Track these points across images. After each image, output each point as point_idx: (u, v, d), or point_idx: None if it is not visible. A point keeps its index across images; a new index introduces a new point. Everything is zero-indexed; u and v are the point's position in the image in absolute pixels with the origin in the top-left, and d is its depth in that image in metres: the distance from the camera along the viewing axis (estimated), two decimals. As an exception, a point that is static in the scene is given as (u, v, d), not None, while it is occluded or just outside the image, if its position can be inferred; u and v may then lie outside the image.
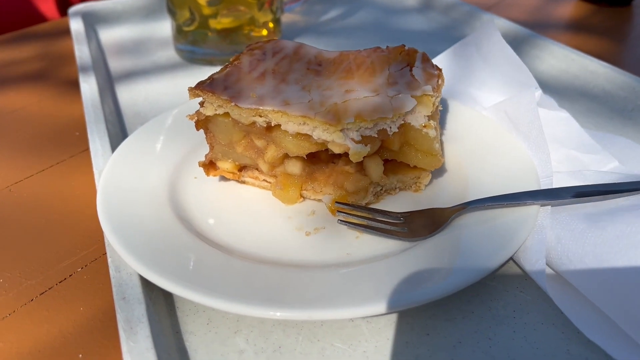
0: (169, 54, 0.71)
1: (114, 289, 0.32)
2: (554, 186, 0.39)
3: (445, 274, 0.32)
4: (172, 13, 0.67)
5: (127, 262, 0.33)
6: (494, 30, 0.52)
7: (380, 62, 0.42)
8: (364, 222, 0.37)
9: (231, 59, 0.44)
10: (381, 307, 0.29)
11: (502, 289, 0.35)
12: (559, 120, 0.47)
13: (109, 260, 0.35)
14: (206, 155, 0.42)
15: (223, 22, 0.65)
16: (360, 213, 0.38)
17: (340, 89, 0.39)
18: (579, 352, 0.31)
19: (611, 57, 0.68)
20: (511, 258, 0.36)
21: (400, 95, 0.38)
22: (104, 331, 0.33)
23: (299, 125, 0.37)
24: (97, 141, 0.46)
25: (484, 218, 0.36)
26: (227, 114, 0.39)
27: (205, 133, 0.41)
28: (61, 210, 0.44)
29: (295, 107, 0.37)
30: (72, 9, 0.79)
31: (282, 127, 0.37)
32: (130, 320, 0.30)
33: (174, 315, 0.33)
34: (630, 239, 0.32)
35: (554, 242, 0.34)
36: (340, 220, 0.38)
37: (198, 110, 0.40)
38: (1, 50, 0.75)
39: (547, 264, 0.35)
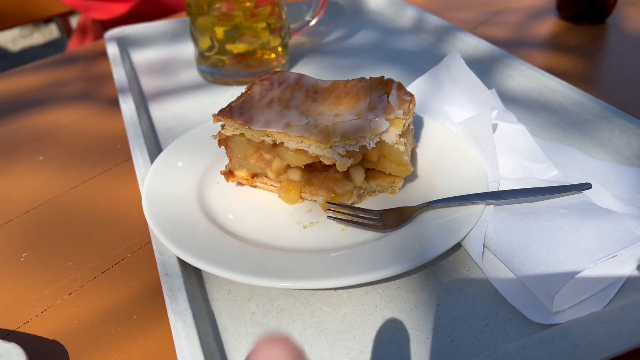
0: (192, 74, 0.83)
1: (159, 267, 0.44)
2: (499, 190, 0.49)
3: (409, 255, 0.42)
4: (195, 40, 0.78)
5: (167, 247, 0.44)
6: (458, 58, 0.63)
7: (364, 90, 0.53)
8: (349, 217, 0.48)
9: (246, 88, 0.55)
10: (358, 279, 0.40)
11: (451, 268, 0.45)
12: (516, 132, 0.58)
13: (154, 246, 0.46)
14: (226, 166, 0.53)
15: (239, 47, 0.76)
16: (345, 211, 0.49)
17: (330, 113, 0.50)
18: (504, 314, 0.41)
19: (582, 73, 0.78)
20: (459, 244, 0.47)
21: (377, 119, 0.49)
22: (152, 299, 0.44)
23: (297, 143, 0.48)
24: (139, 154, 0.58)
25: (441, 214, 0.47)
26: (242, 135, 0.50)
27: (225, 148, 0.52)
28: (112, 209, 0.55)
29: (295, 129, 0.48)
30: (108, 34, 0.91)
31: (285, 145, 0.48)
32: (172, 289, 0.41)
33: (203, 287, 0.45)
34: (544, 230, 0.42)
35: (491, 232, 0.45)
36: (330, 216, 0.48)
37: (220, 131, 0.51)
38: (47, 72, 0.87)
39: (485, 248, 0.46)
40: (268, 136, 0.49)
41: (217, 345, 0.40)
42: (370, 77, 0.55)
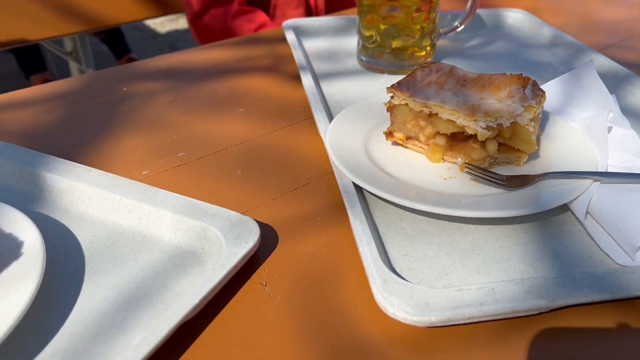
0: (353, 62, 1.01)
1: (340, 188, 0.61)
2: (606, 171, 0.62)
3: (529, 204, 0.57)
4: (360, 33, 0.96)
5: (345, 174, 0.62)
6: (591, 66, 0.75)
7: (505, 82, 0.68)
8: (481, 174, 0.63)
9: (410, 72, 0.72)
10: (485, 213, 0.55)
11: (559, 223, 0.59)
12: (627, 136, 0.69)
13: (335, 175, 0.64)
14: (388, 128, 0.70)
15: (396, 43, 0.93)
16: (479, 170, 0.64)
17: (477, 96, 0.65)
18: (597, 258, 0.54)
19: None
20: (567, 206, 0.60)
21: (513, 104, 0.63)
22: (333, 208, 0.62)
23: (449, 115, 0.64)
24: (319, 114, 0.76)
25: (555, 183, 0.60)
26: (406, 104, 0.67)
27: (390, 114, 0.69)
28: (298, 150, 0.74)
29: (448, 104, 0.64)
30: (285, 24, 1.12)
31: (439, 115, 0.64)
32: (350, 201, 0.59)
33: (367, 207, 0.62)
34: (638, 202, 0.55)
35: (594, 200, 0.58)
36: (467, 171, 0.64)
37: (389, 100, 0.68)
38: (239, 48, 1.09)
39: (587, 212, 0.59)
40: (427, 107, 0.65)
41: (379, 239, 0.57)
42: (511, 74, 0.69)
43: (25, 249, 0.52)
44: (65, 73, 3.54)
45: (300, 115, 0.84)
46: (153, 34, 4.74)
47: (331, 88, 0.91)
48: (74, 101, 0.88)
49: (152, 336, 0.44)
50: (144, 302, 0.51)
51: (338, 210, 0.62)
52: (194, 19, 1.50)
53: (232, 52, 1.07)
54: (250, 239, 0.55)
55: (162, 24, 4.87)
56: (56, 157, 0.67)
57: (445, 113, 0.64)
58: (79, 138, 0.77)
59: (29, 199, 0.64)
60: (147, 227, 0.59)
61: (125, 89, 0.92)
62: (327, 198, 0.65)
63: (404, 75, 0.74)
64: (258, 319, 0.50)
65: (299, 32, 1.12)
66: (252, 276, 0.54)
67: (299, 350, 0.46)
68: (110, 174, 0.64)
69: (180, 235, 0.58)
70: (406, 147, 0.71)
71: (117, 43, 3.49)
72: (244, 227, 0.56)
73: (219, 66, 1.01)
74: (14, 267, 0.50)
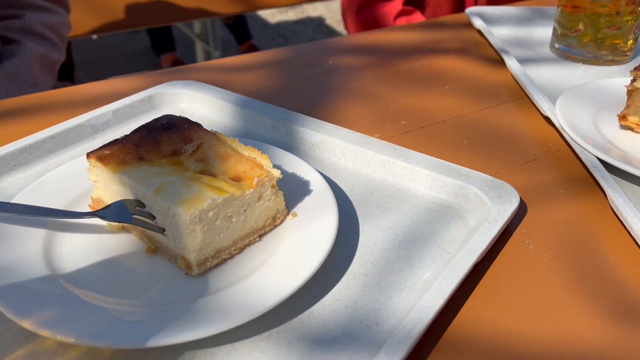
0: (541, 50, 1.02)
1: (587, 164, 0.64)
2: None
3: None
4: (561, 22, 0.97)
5: (594, 153, 0.64)
6: None
7: None
8: None
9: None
10: None
11: None
12: None
13: (578, 152, 0.66)
14: (622, 111, 0.71)
15: (601, 34, 0.93)
16: None
17: None
18: None
19: None
20: None
21: None
22: (579, 184, 0.65)
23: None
24: (538, 95, 0.79)
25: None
26: (647, 88, 0.68)
27: (628, 97, 0.70)
28: (515, 127, 0.77)
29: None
30: (469, 10, 1.15)
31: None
32: (603, 177, 0.61)
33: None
34: None
35: None
36: None
37: (632, 83, 0.69)
38: (426, 32, 1.13)
39: None
40: (672, 93, 0.66)
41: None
42: None
43: (312, 186, 0.59)
44: (189, 54, 3.76)
45: (507, 96, 0.86)
46: (264, 23, 4.91)
47: (531, 73, 0.92)
48: (285, 69, 0.95)
49: (451, 273, 0.49)
50: (420, 244, 0.55)
51: (581, 184, 0.64)
52: (357, 11, 1.56)
53: (419, 35, 1.11)
54: (512, 199, 0.58)
55: (273, 15, 5.04)
56: (303, 115, 0.74)
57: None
58: (302, 103, 0.84)
59: (282, 148, 0.71)
60: (400, 181, 0.64)
61: (330, 62, 0.98)
62: (563, 172, 0.67)
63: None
64: (528, 273, 0.53)
65: (484, 20, 1.14)
66: (513, 235, 0.58)
67: (576, 306, 0.49)
68: (358, 133, 0.70)
69: (435, 191, 0.62)
70: (636, 133, 0.72)
71: (241, 29, 3.66)
72: (501, 188, 0.60)
73: (412, 47, 1.05)
74: (311, 200, 0.57)
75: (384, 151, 0.66)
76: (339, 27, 4.69)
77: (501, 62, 0.95)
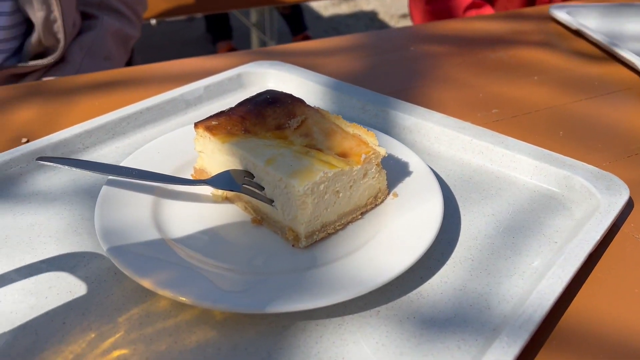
0: (634, 45, 0.98)
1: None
2: None
3: None
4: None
5: None
6: None
7: None
8: None
9: None
10: None
11: None
12: None
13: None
14: None
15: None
16: None
17: None
18: None
19: None
20: None
21: None
22: None
23: None
24: None
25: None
26: None
27: None
28: (614, 120, 0.74)
29: None
30: (555, 5, 1.11)
31: None
32: None
33: None
34: None
35: None
36: None
37: None
38: (506, 23, 1.10)
39: None
40: None
41: None
42: None
43: (412, 168, 0.58)
44: (244, 43, 3.80)
45: (603, 89, 0.83)
46: (317, 16, 4.91)
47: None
48: (368, 54, 0.94)
49: (567, 261, 0.47)
50: (525, 232, 0.54)
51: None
52: (428, 2, 1.54)
53: (499, 25, 1.09)
54: (622, 191, 0.56)
55: (326, 7, 5.03)
56: (394, 98, 0.73)
57: None
58: (389, 87, 0.83)
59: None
60: (499, 168, 0.63)
61: (412, 48, 0.97)
62: None
63: None
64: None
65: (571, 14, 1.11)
66: (622, 228, 0.55)
67: None
68: (453, 118, 0.68)
69: (537, 180, 0.60)
70: None
71: (296, 20, 3.67)
72: (609, 180, 0.57)
73: (493, 37, 1.03)
74: (412, 181, 0.56)
75: (482, 137, 0.64)
76: (392, 21, 4.65)
77: (596, 56, 0.92)
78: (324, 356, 0.41)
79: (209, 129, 0.54)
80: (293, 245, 0.50)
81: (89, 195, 0.57)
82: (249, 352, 0.41)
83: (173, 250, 0.48)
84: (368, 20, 4.74)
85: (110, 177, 0.54)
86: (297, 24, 3.68)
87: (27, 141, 0.66)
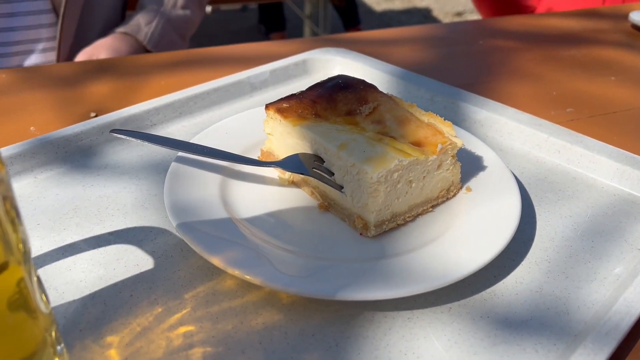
0: None
1: None
2: None
3: None
4: None
5: None
6: None
7: None
8: None
9: None
10: None
11: None
12: None
13: None
14: None
15: None
16: None
17: None
18: None
19: None
20: None
21: None
22: None
23: None
24: None
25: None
26: None
27: None
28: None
29: None
30: (634, 13, 1.05)
31: None
32: None
33: None
34: None
35: None
36: None
37: None
38: (581, 20, 1.05)
39: None
40: None
41: None
42: None
43: (486, 163, 0.55)
44: (296, 35, 3.81)
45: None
46: (369, 10, 4.87)
47: None
48: (435, 45, 0.92)
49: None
50: (605, 236, 0.51)
51: None
52: None
53: (574, 23, 1.04)
54: None
55: (379, 2, 4.98)
56: (463, 90, 0.70)
57: None
58: (459, 79, 0.80)
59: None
60: (577, 169, 0.59)
61: (481, 42, 0.94)
62: None
63: None
64: None
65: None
66: None
67: None
68: (527, 114, 0.65)
69: (618, 183, 0.57)
70: None
71: (350, 13, 3.64)
72: (701, 187, 0.53)
73: (567, 34, 0.99)
74: (486, 176, 0.54)
75: (559, 135, 0.61)
76: (446, 19, 4.56)
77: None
78: (394, 349, 0.40)
79: (280, 111, 0.53)
80: (361, 234, 0.48)
81: (156, 171, 0.57)
82: (316, 339, 0.40)
83: (241, 230, 0.47)
84: (421, 17, 4.66)
85: (180, 153, 0.54)
86: (351, 17, 3.65)
87: (96, 115, 0.67)
